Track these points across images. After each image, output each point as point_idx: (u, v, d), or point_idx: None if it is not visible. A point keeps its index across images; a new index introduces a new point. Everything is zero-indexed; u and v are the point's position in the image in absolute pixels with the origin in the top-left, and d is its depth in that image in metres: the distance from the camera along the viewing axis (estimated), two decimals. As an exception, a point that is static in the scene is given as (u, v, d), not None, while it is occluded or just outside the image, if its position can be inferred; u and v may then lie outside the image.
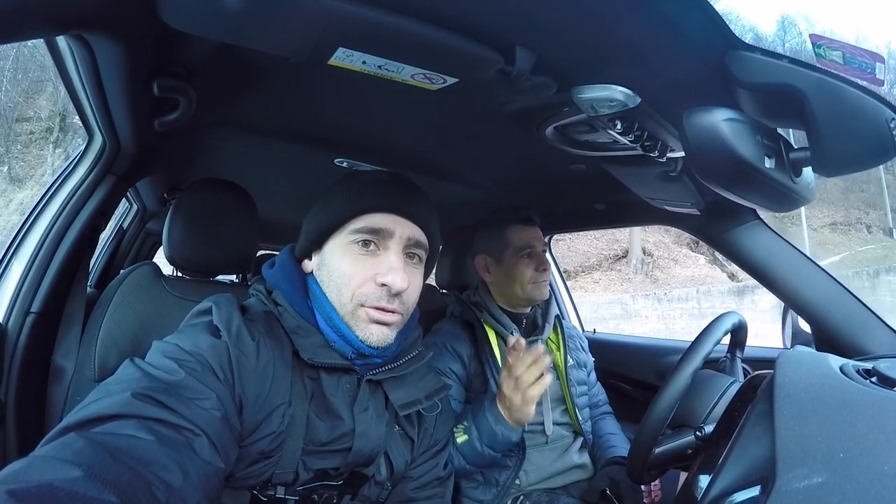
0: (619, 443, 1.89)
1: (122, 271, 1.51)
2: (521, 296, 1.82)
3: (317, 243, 1.11)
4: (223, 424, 0.84)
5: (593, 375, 2.08)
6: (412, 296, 1.10)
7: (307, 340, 1.03)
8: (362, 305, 1.03)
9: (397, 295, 1.04)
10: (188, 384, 0.82)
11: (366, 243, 1.05)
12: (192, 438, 0.77)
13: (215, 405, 0.84)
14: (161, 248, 1.61)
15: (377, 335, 1.03)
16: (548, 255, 2.86)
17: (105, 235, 2.78)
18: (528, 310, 1.90)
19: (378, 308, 1.03)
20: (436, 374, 1.22)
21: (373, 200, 1.06)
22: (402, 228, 1.07)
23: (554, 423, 1.77)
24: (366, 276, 1.04)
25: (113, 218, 2.45)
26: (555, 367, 1.87)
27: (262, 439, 0.94)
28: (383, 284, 1.03)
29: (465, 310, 1.87)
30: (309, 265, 1.14)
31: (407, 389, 1.12)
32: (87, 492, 0.58)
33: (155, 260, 1.67)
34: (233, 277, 3.06)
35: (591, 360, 2.09)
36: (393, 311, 1.05)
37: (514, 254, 1.83)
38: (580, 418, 1.83)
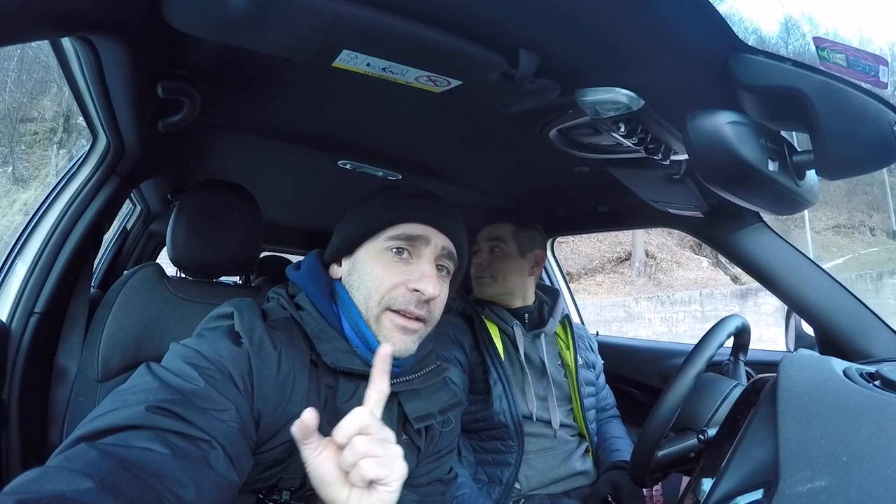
0: (624, 447, 1.88)
1: (125, 272, 1.51)
2: (496, 301, 1.90)
3: (350, 248, 1.12)
4: (240, 437, 0.84)
5: (602, 378, 2.08)
6: (439, 306, 1.11)
7: (330, 345, 1.03)
8: (389, 309, 1.04)
9: (427, 302, 1.06)
10: (207, 394, 0.82)
11: (399, 251, 1.07)
12: (209, 451, 0.77)
13: (233, 417, 0.83)
14: (164, 249, 1.61)
15: (400, 343, 1.04)
16: (550, 256, 2.86)
17: (109, 236, 2.78)
18: (528, 304, 1.91)
19: (405, 313, 1.04)
20: (450, 388, 1.22)
21: (411, 211, 1.08)
22: (437, 238, 1.09)
23: (561, 424, 1.77)
24: (398, 281, 1.05)
25: (117, 219, 2.45)
26: (564, 365, 1.88)
27: (277, 447, 0.94)
28: (415, 290, 1.04)
29: (466, 305, 1.90)
30: (338, 271, 1.15)
31: (422, 402, 1.12)
32: (99, 503, 0.58)
33: (158, 261, 1.67)
34: (236, 279, 3.07)
35: (600, 361, 2.09)
36: (418, 319, 1.05)
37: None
38: (587, 419, 1.83)
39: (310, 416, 0.74)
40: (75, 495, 0.57)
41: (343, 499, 0.75)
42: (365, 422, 0.76)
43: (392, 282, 1.04)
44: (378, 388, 0.83)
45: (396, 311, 1.04)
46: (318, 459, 0.76)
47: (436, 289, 1.05)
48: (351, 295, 1.08)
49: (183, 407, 0.77)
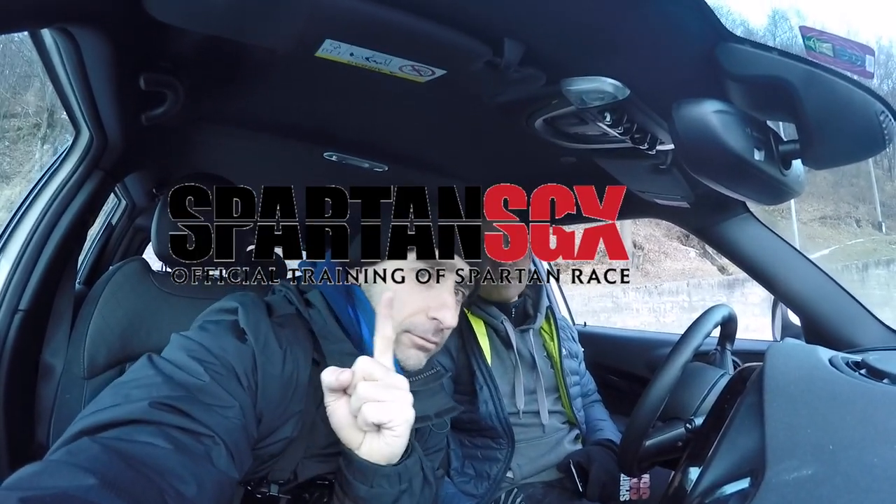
0: (607, 427, 1.92)
1: (110, 267, 1.50)
2: (485, 297, 1.84)
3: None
4: (242, 434, 0.83)
5: (583, 365, 2.10)
6: (451, 331, 1.12)
7: (335, 347, 1.02)
8: (407, 332, 1.04)
9: (442, 330, 1.07)
10: (211, 390, 0.81)
11: (423, 273, 1.06)
12: (211, 447, 0.76)
13: (237, 414, 0.82)
14: (150, 243, 1.60)
15: (414, 360, 1.06)
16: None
17: (94, 232, 2.75)
18: (514, 299, 1.88)
19: (423, 338, 1.05)
20: (446, 392, 1.22)
21: None
22: (461, 265, 1.09)
23: (549, 412, 1.78)
24: (418, 307, 1.05)
25: (102, 214, 2.42)
26: (549, 356, 1.89)
27: (275, 444, 0.94)
28: (434, 318, 1.04)
29: None
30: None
31: (419, 405, 1.10)
32: (102, 500, 0.57)
33: (144, 256, 1.66)
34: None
35: (580, 349, 2.11)
36: (435, 343, 1.07)
37: None
38: (574, 408, 1.84)
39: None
40: (78, 492, 0.57)
41: (357, 442, 0.86)
42: (368, 369, 0.84)
43: (413, 307, 1.04)
44: (382, 334, 0.89)
45: (417, 335, 1.05)
46: (336, 406, 0.86)
47: (454, 319, 1.07)
48: (372, 304, 1.08)
49: (187, 403, 0.77)
